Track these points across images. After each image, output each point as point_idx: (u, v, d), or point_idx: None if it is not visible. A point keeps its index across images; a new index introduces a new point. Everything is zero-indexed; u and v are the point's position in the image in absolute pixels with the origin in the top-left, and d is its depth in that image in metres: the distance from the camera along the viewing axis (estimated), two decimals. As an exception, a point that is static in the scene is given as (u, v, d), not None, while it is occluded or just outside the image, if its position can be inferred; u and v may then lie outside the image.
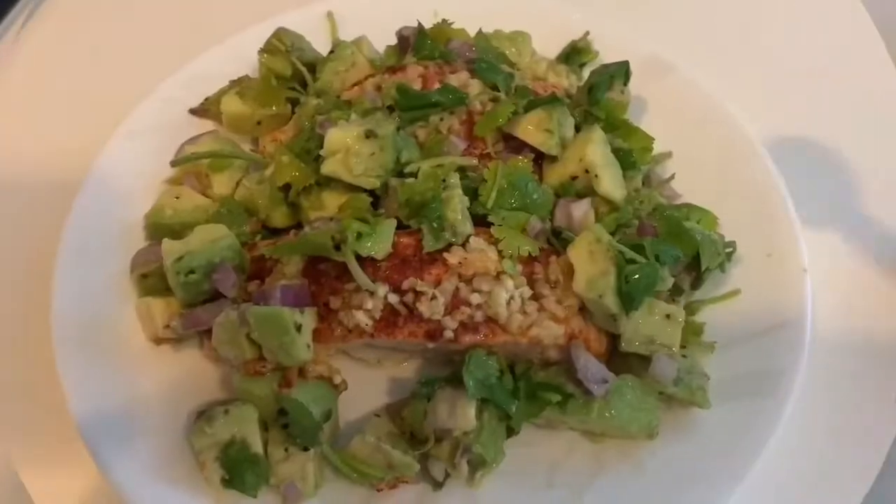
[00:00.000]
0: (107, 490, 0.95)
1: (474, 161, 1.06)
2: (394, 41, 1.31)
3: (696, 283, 1.06)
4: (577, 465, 1.00)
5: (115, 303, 1.08)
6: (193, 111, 1.26)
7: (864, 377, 1.09)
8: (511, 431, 1.00)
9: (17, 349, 1.12)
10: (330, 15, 1.37)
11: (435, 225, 0.97)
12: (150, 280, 1.08)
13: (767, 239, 1.12)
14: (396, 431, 0.99)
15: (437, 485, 0.97)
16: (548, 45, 1.35)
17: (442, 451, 0.96)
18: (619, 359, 1.01)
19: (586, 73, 1.30)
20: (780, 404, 0.98)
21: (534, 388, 0.97)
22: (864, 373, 1.09)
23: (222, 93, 1.24)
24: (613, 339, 1.01)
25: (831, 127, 1.33)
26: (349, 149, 1.00)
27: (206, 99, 1.26)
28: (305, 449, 0.94)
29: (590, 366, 0.95)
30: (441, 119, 1.09)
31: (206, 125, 1.26)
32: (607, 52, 1.33)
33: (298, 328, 0.93)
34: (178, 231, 1.10)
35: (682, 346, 1.01)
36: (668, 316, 0.98)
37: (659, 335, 0.97)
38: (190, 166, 1.16)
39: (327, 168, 1.01)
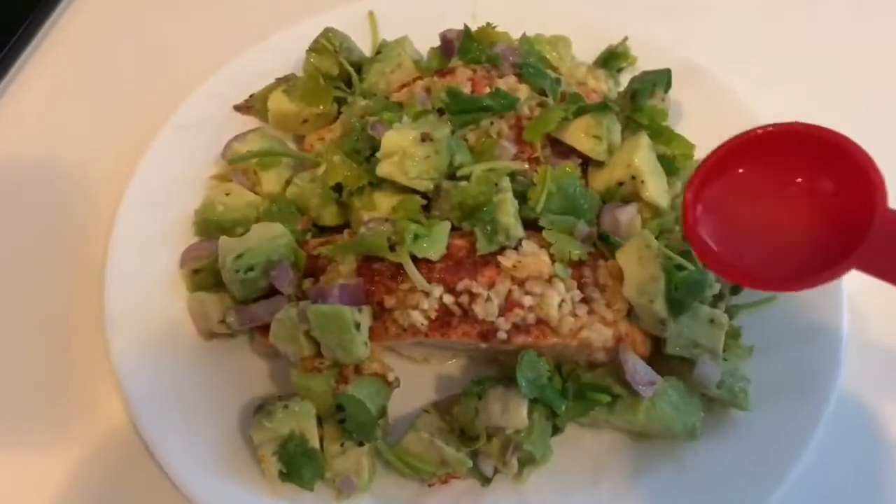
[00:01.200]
0: (164, 482, 0.97)
1: (525, 165, 1.08)
2: (431, 41, 1.33)
3: (736, 289, 1.09)
4: (621, 464, 1.03)
5: (166, 297, 1.10)
6: (238, 108, 1.28)
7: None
8: (556, 429, 1.03)
9: (69, 343, 1.14)
10: (371, 14, 1.38)
11: (488, 228, 1.00)
12: (201, 276, 1.10)
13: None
14: (446, 427, 1.02)
15: (486, 480, 1.00)
16: (585, 49, 1.37)
17: (492, 448, 0.98)
18: (661, 360, 1.04)
19: (623, 77, 1.33)
20: (818, 407, 1.01)
21: (582, 388, 1.00)
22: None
23: (268, 90, 1.26)
24: (656, 341, 1.04)
25: (869, 134, 1.36)
26: (405, 151, 1.02)
27: (251, 96, 1.28)
28: (361, 444, 0.97)
29: (638, 368, 0.98)
30: (491, 123, 1.11)
31: (250, 121, 1.28)
32: (644, 58, 1.35)
33: (357, 326, 0.95)
34: (227, 228, 1.12)
35: (723, 350, 1.04)
36: (711, 320, 1.00)
37: (703, 339, 1.00)
38: (238, 163, 1.18)
39: (383, 170, 1.04)
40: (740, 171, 0.64)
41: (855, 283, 1.10)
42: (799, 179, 0.61)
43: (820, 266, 0.58)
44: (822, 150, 0.59)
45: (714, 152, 0.64)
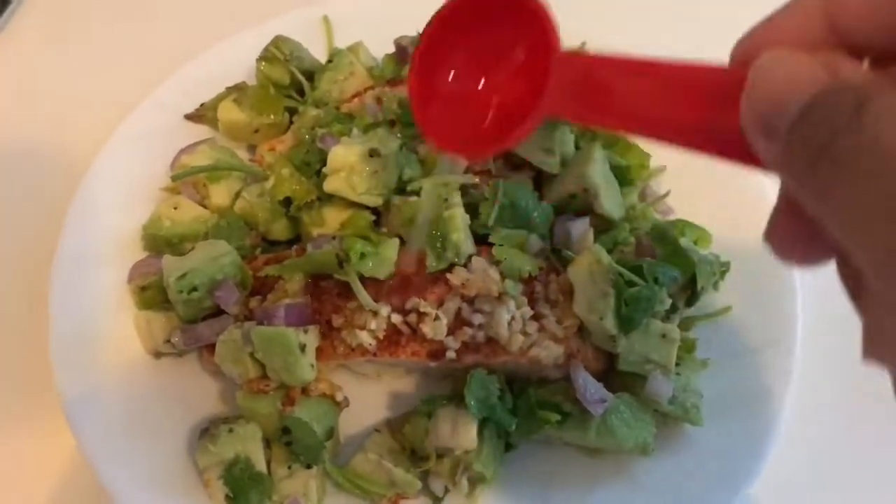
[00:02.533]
0: (109, 506, 0.96)
1: (476, 179, 1.06)
2: (388, 45, 1.31)
3: (691, 302, 1.08)
4: (573, 480, 1.02)
5: (112, 314, 1.08)
6: (189, 117, 1.25)
7: (854, 392, 1.13)
8: (509, 447, 1.02)
9: (14, 360, 1.12)
10: (326, 20, 1.36)
11: (438, 245, 0.98)
12: (149, 293, 1.07)
13: (758, 255, 1.14)
14: (397, 447, 1.01)
15: (437, 500, 0.99)
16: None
17: (443, 468, 0.98)
18: (614, 376, 1.04)
19: (582, 83, 1.32)
20: (772, 420, 1.00)
21: (533, 406, 0.99)
22: (854, 387, 1.13)
23: (218, 99, 1.23)
24: (609, 356, 1.03)
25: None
26: (352, 167, 1.01)
27: (202, 105, 1.25)
28: (308, 466, 0.96)
29: (588, 386, 0.97)
30: (442, 135, 1.09)
31: (202, 131, 1.26)
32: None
33: (303, 348, 0.94)
34: (175, 243, 1.10)
35: (676, 364, 1.03)
36: (663, 336, 1.00)
37: (655, 354, 0.99)
38: (183, 178, 1.15)
39: (330, 186, 1.02)
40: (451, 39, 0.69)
41: (810, 295, 1.12)
42: (494, 43, 0.65)
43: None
44: (507, 12, 0.62)
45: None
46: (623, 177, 1.12)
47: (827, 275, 1.21)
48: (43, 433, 1.07)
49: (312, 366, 0.96)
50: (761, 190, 1.19)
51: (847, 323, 1.18)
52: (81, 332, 1.06)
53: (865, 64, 0.47)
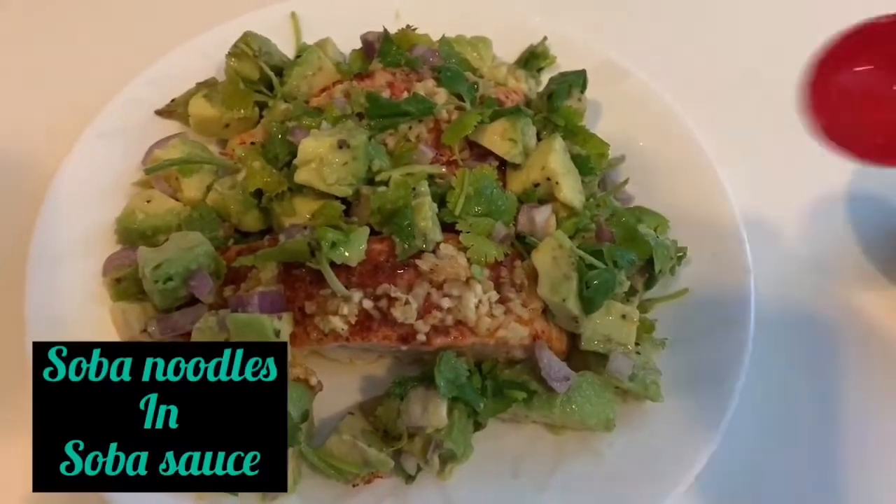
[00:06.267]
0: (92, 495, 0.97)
1: (443, 169, 1.10)
2: (356, 41, 1.34)
3: (649, 284, 1.14)
4: (540, 456, 1.06)
5: (88, 306, 1.10)
6: (160, 112, 1.27)
7: (804, 369, 1.19)
8: (478, 426, 1.06)
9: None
10: (294, 16, 1.38)
11: (406, 233, 1.02)
12: (124, 284, 1.09)
13: (714, 240, 1.20)
14: (370, 428, 1.04)
15: (410, 478, 1.03)
16: (506, 48, 1.40)
17: (414, 447, 1.01)
18: (578, 355, 1.08)
19: (544, 77, 1.36)
20: (727, 396, 1.06)
21: (500, 386, 1.03)
22: (804, 365, 1.19)
23: (189, 94, 1.25)
24: (573, 337, 1.08)
25: (778, 133, 1.40)
26: (322, 158, 1.04)
27: (173, 100, 1.27)
28: (284, 448, 0.99)
29: (552, 364, 1.01)
30: (410, 127, 1.13)
31: (173, 126, 1.28)
32: (564, 57, 1.38)
33: (277, 334, 0.96)
34: (149, 236, 1.12)
35: (636, 343, 1.08)
36: (623, 316, 1.04)
37: (615, 334, 1.04)
38: (155, 171, 1.17)
39: (301, 177, 1.05)
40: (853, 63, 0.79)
41: (761, 280, 1.17)
42: None
43: None
44: None
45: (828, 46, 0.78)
46: (584, 166, 1.16)
47: (779, 258, 1.28)
48: (21, 426, 1.07)
49: (287, 351, 0.98)
50: (716, 179, 1.25)
51: (799, 302, 1.25)
52: (58, 326, 1.08)
53: None
